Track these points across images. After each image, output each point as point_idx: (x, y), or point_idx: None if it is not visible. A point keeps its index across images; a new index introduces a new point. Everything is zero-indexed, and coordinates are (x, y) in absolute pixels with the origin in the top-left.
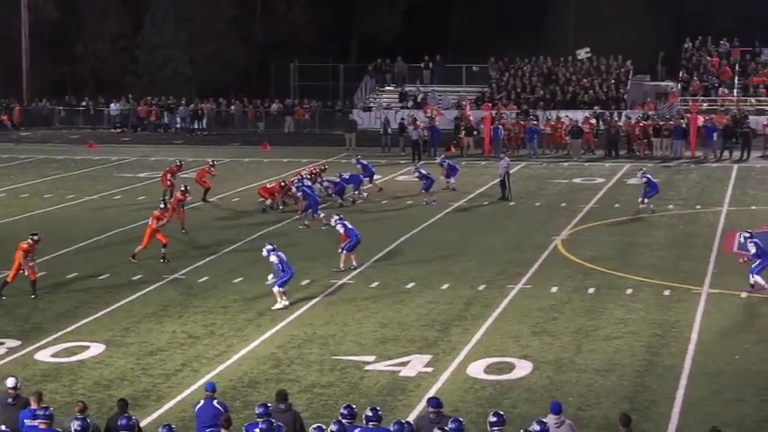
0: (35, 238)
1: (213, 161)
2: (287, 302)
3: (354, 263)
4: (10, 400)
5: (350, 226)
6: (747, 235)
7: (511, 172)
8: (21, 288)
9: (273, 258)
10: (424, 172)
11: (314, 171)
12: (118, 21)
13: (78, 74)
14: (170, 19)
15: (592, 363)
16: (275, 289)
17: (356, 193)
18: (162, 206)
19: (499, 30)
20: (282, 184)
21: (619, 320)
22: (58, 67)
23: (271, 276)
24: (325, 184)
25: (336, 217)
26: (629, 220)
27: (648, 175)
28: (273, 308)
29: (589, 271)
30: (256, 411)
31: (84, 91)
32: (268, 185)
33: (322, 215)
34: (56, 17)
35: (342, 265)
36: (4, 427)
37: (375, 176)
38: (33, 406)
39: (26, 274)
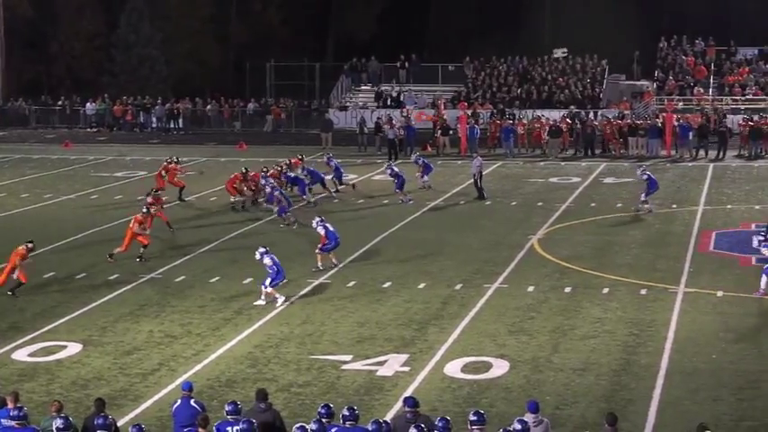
0: (30, 246)
1: (174, 158)
2: (265, 302)
3: (334, 260)
4: None
5: (331, 228)
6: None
7: (485, 172)
8: None
9: (267, 261)
10: (396, 170)
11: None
12: (93, 19)
13: (54, 73)
14: (145, 18)
15: (569, 362)
16: (267, 289)
17: (303, 197)
18: (144, 210)
19: (475, 29)
20: (244, 171)
21: (595, 319)
22: (33, 67)
23: (268, 280)
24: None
25: (318, 218)
26: (605, 220)
27: (649, 173)
28: (255, 303)
29: (565, 270)
30: (226, 409)
31: (60, 90)
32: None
33: (291, 217)
34: (31, 16)
35: (320, 264)
36: None
37: (348, 176)
38: (10, 406)
39: (15, 276)
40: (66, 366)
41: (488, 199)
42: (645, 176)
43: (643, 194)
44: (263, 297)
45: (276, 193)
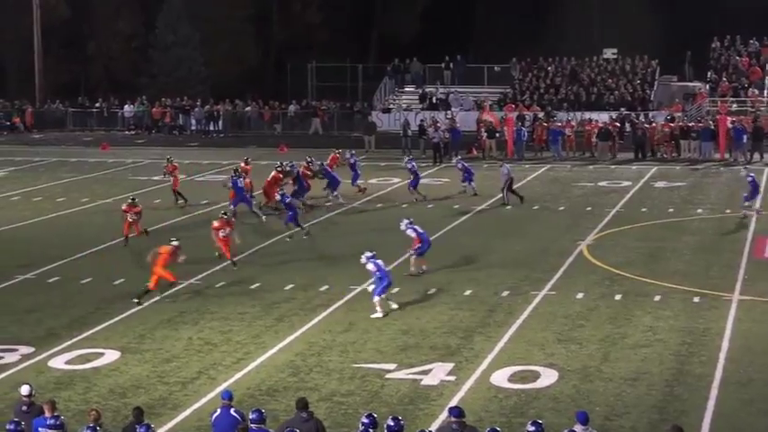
0: (176, 244)
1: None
2: (382, 313)
3: (424, 267)
4: (24, 407)
5: (420, 230)
6: None
7: (532, 176)
8: (34, 293)
9: (371, 266)
10: (414, 167)
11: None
12: (131, 19)
13: (91, 74)
14: (184, 18)
15: (619, 371)
16: (375, 298)
17: (334, 194)
18: (223, 214)
19: (522, 29)
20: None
21: (647, 328)
22: (70, 68)
23: (371, 286)
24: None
25: (407, 221)
26: (656, 225)
27: (753, 175)
28: (372, 316)
29: (616, 277)
30: (250, 417)
31: (98, 92)
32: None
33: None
34: (68, 16)
35: (413, 268)
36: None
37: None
38: (47, 414)
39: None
40: (103, 374)
41: (509, 205)
42: (750, 179)
43: (745, 195)
44: (378, 309)
45: (287, 200)
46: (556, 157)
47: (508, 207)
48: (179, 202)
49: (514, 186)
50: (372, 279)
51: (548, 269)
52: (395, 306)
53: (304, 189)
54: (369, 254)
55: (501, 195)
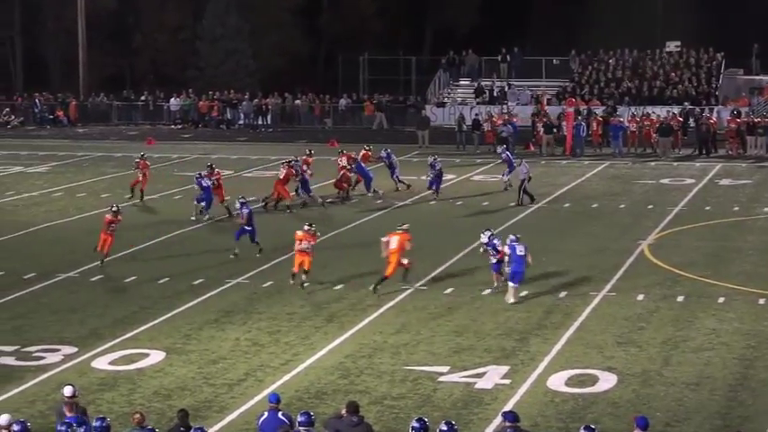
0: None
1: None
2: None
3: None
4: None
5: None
6: None
7: (593, 172)
8: (77, 292)
9: (507, 250)
10: (437, 167)
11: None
12: (178, 11)
13: (137, 67)
14: (232, 9)
15: (681, 375)
16: (510, 284)
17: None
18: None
19: (581, 20)
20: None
21: (710, 331)
22: (115, 61)
23: (507, 267)
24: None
25: (513, 237)
26: (721, 224)
27: None
28: (508, 301)
29: (678, 278)
30: (299, 420)
31: (143, 85)
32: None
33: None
34: (114, 8)
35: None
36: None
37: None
38: (68, 414)
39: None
40: (148, 375)
41: (536, 201)
42: None
43: None
44: (511, 296)
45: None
46: (616, 154)
47: (532, 204)
48: (132, 198)
49: (528, 185)
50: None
51: (607, 269)
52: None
53: (307, 183)
54: (513, 237)
55: (518, 196)
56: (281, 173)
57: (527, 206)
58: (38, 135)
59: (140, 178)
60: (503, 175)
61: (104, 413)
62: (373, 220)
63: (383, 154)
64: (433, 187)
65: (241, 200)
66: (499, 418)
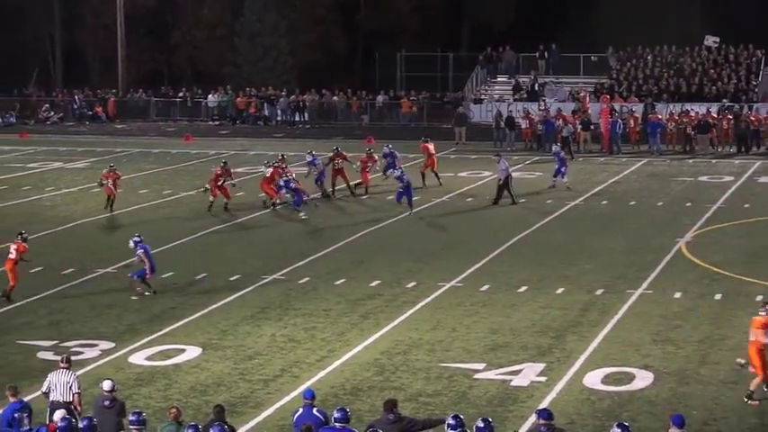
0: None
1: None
2: None
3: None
4: (107, 402)
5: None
6: None
7: (628, 170)
8: (114, 288)
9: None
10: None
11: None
12: (216, 7)
13: (175, 63)
14: (271, 5)
15: (718, 374)
16: None
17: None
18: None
19: (619, 16)
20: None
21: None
22: (154, 57)
23: None
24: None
25: (137, 238)
26: (759, 222)
27: None
28: None
29: (716, 276)
30: (335, 416)
31: (182, 81)
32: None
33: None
34: (152, 4)
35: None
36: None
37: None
38: (11, 399)
39: None
40: (184, 371)
41: (469, 205)
42: None
43: None
44: None
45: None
46: (654, 151)
47: (517, 203)
48: (108, 209)
49: (511, 184)
50: None
51: (644, 267)
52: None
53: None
54: None
55: (497, 193)
56: (267, 172)
57: (563, 204)
58: (77, 131)
59: (111, 189)
60: (561, 176)
61: (141, 408)
62: (408, 218)
63: (386, 150)
64: (401, 200)
65: (135, 238)
66: (534, 416)
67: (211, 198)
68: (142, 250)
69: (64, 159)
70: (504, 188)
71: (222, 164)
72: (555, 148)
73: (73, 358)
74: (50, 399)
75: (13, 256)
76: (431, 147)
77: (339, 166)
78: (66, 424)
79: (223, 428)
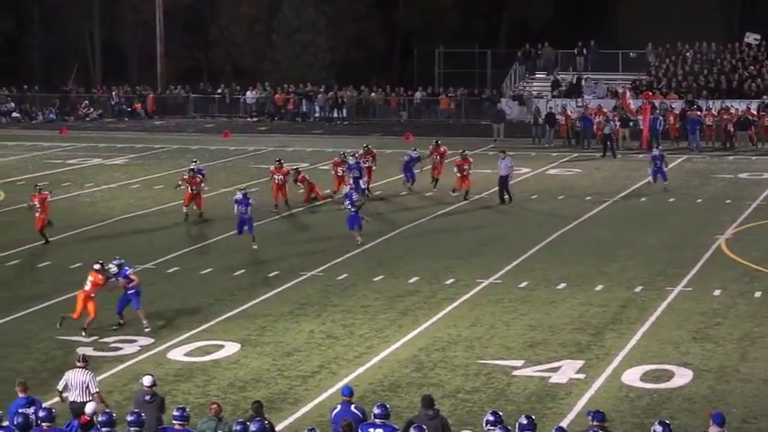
0: None
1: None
2: None
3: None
4: (148, 397)
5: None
6: None
7: (669, 167)
8: (153, 284)
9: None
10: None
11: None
12: (254, 4)
13: (213, 60)
14: (309, 2)
15: (758, 372)
16: None
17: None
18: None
19: (658, 13)
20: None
21: None
22: (192, 53)
23: None
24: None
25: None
26: None
27: None
28: None
29: (756, 273)
30: (375, 412)
31: (220, 78)
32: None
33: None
34: (190, 1)
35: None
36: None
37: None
38: (21, 395)
39: None
40: (223, 367)
41: (513, 203)
42: None
43: None
44: None
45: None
46: (694, 148)
47: (507, 204)
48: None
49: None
50: None
51: (684, 264)
52: None
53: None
54: None
55: (500, 194)
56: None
57: (601, 201)
58: (116, 127)
59: (39, 215)
60: (661, 176)
61: (180, 404)
62: (448, 214)
63: (351, 161)
64: (356, 227)
65: (116, 261)
66: (573, 413)
67: (274, 202)
68: (124, 272)
69: (103, 156)
70: (503, 186)
71: (277, 162)
72: (655, 151)
73: (112, 354)
74: (69, 399)
75: (88, 288)
76: (443, 150)
77: (368, 164)
78: (107, 418)
79: (263, 424)
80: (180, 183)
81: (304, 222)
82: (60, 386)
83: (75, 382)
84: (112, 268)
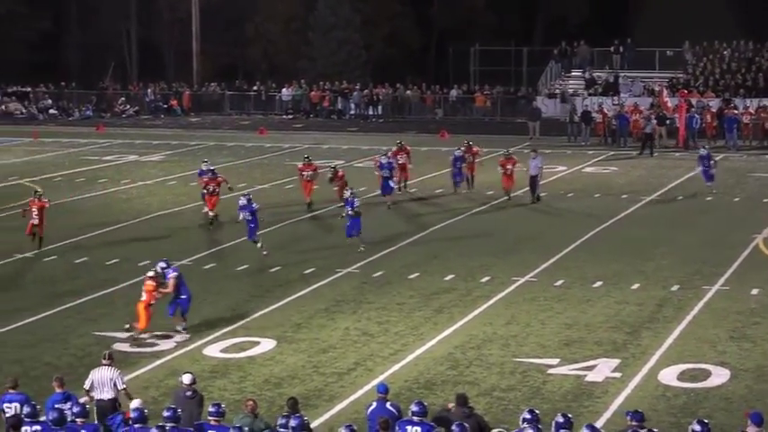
0: None
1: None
2: None
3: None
4: (189, 393)
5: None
6: None
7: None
8: (190, 280)
9: None
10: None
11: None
12: (290, 1)
13: (249, 57)
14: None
15: None
16: None
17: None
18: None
19: (695, 11)
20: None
21: None
22: (228, 51)
23: None
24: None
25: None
26: None
27: None
28: None
29: None
30: (412, 409)
31: (256, 75)
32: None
33: None
34: None
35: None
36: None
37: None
38: (57, 390)
39: None
40: (258, 364)
41: (547, 202)
42: None
43: None
44: None
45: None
46: (731, 146)
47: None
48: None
49: (538, 183)
50: None
51: (721, 263)
52: None
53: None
54: None
55: (531, 193)
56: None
57: (638, 199)
58: (152, 124)
59: (35, 221)
60: (709, 179)
61: (216, 400)
62: (483, 212)
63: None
64: (353, 233)
65: (162, 263)
66: (609, 412)
67: (307, 200)
68: (174, 273)
69: (139, 152)
70: (533, 184)
71: (305, 158)
72: (702, 151)
73: (148, 350)
74: (95, 397)
75: (144, 298)
76: (475, 150)
77: (402, 161)
78: (138, 414)
79: (302, 420)
80: (203, 189)
81: (338, 220)
82: (87, 385)
83: (102, 380)
84: (162, 269)
